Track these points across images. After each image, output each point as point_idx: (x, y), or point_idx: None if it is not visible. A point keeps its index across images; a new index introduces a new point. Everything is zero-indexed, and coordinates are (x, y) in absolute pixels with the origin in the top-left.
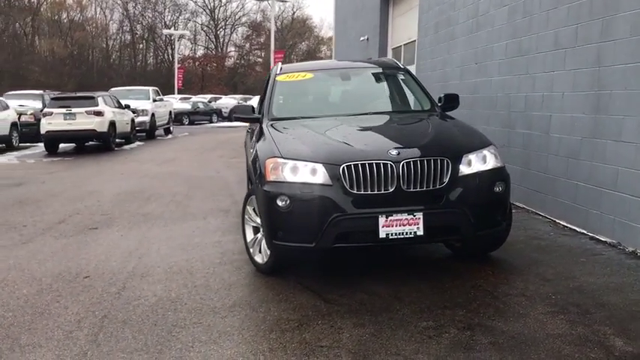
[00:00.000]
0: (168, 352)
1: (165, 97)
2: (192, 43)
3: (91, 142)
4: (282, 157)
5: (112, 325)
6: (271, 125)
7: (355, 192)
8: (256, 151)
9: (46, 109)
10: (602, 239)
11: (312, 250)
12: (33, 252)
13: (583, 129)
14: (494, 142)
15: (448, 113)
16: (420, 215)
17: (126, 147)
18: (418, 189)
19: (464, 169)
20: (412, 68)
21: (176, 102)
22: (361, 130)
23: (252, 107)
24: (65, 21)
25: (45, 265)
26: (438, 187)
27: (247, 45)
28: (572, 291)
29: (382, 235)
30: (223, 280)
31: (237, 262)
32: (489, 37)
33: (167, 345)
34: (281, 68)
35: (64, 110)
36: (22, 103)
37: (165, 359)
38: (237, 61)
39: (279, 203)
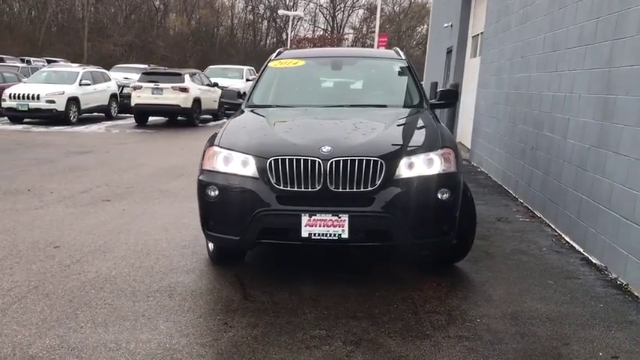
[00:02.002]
0: (54, 331)
1: None
2: (309, 24)
3: (180, 117)
4: (218, 146)
5: (34, 297)
6: (242, 112)
7: (281, 187)
8: None
9: (136, 83)
10: (594, 261)
11: (239, 243)
12: (34, 218)
13: (591, 136)
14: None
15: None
16: (345, 217)
17: (210, 124)
18: (347, 189)
19: (403, 172)
20: (479, 59)
21: None
22: (317, 123)
23: (238, 92)
24: None
25: (32, 232)
26: (369, 188)
27: (364, 28)
28: (505, 316)
29: (305, 234)
30: (169, 265)
31: (200, 248)
32: (533, 28)
33: (61, 323)
34: (278, 53)
35: (152, 85)
36: (127, 76)
37: (49, 337)
38: (353, 44)
39: (209, 193)
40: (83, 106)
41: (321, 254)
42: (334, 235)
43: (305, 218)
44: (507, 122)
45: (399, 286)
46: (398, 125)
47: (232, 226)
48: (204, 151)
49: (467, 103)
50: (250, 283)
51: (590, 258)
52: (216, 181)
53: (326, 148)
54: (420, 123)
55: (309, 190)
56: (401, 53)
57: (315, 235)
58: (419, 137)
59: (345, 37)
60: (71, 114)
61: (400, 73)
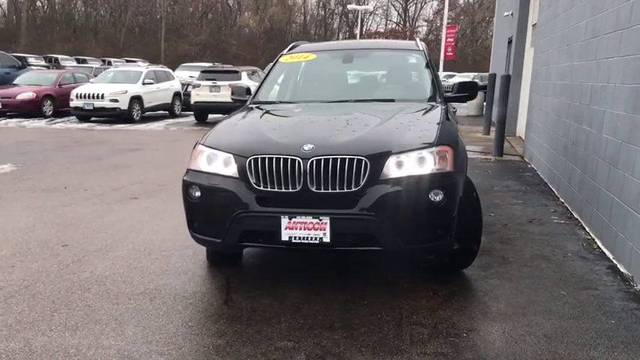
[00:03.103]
0: (23, 334)
1: None
2: (381, 18)
3: None
4: (203, 145)
5: (20, 297)
6: (244, 109)
7: (261, 188)
8: None
9: (195, 82)
10: (621, 270)
11: (221, 246)
12: (57, 216)
13: (623, 131)
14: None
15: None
16: (326, 220)
17: None
18: (329, 190)
19: (390, 172)
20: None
21: None
22: (309, 120)
23: (248, 89)
24: None
25: (49, 230)
26: (352, 189)
27: (437, 20)
28: (496, 332)
29: (285, 237)
30: (165, 265)
31: (201, 248)
32: (578, 14)
33: (33, 325)
34: (292, 47)
35: (210, 83)
36: (192, 75)
37: (16, 340)
38: (426, 36)
39: (192, 193)
40: (146, 105)
41: (318, 257)
42: (315, 238)
43: (285, 221)
44: (553, 115)
45: (391, 293)
46: (395, 121)
47: (214, 228)
48: (191, 151)
49: (526, 96)
50: (237, 287)
51: (618, 266)
52: (198, 181)
53: (307, 147)
54: (422, 118)
55: (289, 190)
56: (419, 44)
57: (295, 238)
58: (413, 134)
59: (417, 30)
60: (134, 112)
61: (414, 66)
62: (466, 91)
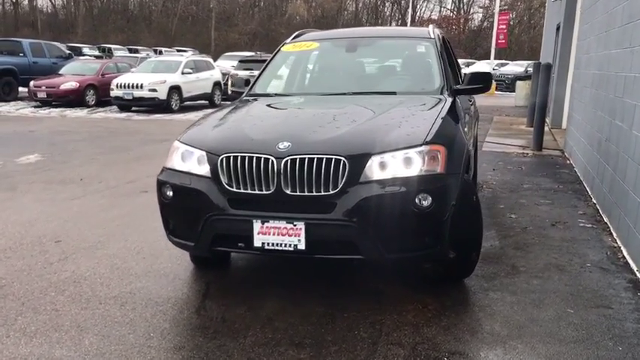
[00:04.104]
0: None
1: None
2: (434, 4)
3: None
4: (179, 141)
5: None
6: (237, 101)
7: (233, 189)
8: None
9: (232, 71)
10: None
11: (195, 249)
12: (63, 209)
13: None
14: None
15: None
16: (301, 225)
17: None
18: (305, 193)
19: (372, 173)
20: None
21: None
22: (294, 114)
23: (247, 80)
24: None
25: (48, 225)
26: (329, 192)
27: (493, 6)
28: (480, 357)
29: (257, 243)
30: (149, 266)
31: None
32: None
33: None
34: (296, 35)
35: (247, 73)
36: (234, 64)
37: None
38: (480, 23)
39: (165, 193)
40: (185, 94)
41: (308, 261)
42: (289, 245)
43: (257, 225)
44: (590, 108)
45: (377, 305)
46: (386, 116)
47: (187, 231)
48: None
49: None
50: (215, 293)
51: None
52: (171, 180)
53: (283, 145)
54: (419, 113)
55: (263, 192)
56: (432, 32)
57: (268, 244)
58: (402, 131)
59: (471, 17)
60: (173, 102)
61: (422, 55)
62: (479, 83)
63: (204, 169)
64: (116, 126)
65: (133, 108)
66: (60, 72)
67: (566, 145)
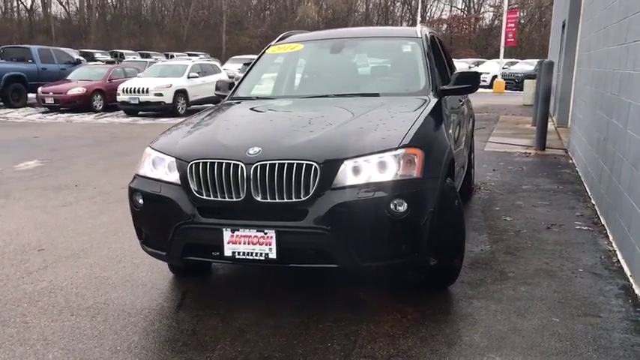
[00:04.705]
0: None
1: None
2: (444, 4)
3: None
4: (150, 147)
5: None
6: (217, 105)
7: (203, 197)
8: None
9: (238, 74)
10: (636, 292)
11: (167, 259)
12: (52, 216)
13: None
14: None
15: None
16: (272, 233)
17: None
18: (275, 200)
19: (345, 179)
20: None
21: None
22: (269, 118)
23: (232, 83)
24: None
25: (34, 233)
26: (301, 199)
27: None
28: None
29: (228, 252)
30: (128, 276)
31: None
32: None
33: None
34: (281, 37)
35: None
36: (241, 68)
37: None
38: (491, 22)
39: (136, 201)
40: (191, 98)
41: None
42: (260, 254)
43: (227, 234)
44: (590, 106)
45: (354, 315)
46: (363, 119)
47: (159, 240)
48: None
49: None
50: (190, 303)
51: (634, 287)
52: (142, 187)
53: (253, 150)
54: (398, 115)
55: (233, 200)
56: (419, 31)
57: (239, 253)
58: (378, 134)
59: (482, 16)
60: (179, 106)
61: (408, 55)
62: (466, 83)
63: (174, 176)
64: (120, 131)
65: (140, 112)
66: (68, 78)
67: (569, 144)
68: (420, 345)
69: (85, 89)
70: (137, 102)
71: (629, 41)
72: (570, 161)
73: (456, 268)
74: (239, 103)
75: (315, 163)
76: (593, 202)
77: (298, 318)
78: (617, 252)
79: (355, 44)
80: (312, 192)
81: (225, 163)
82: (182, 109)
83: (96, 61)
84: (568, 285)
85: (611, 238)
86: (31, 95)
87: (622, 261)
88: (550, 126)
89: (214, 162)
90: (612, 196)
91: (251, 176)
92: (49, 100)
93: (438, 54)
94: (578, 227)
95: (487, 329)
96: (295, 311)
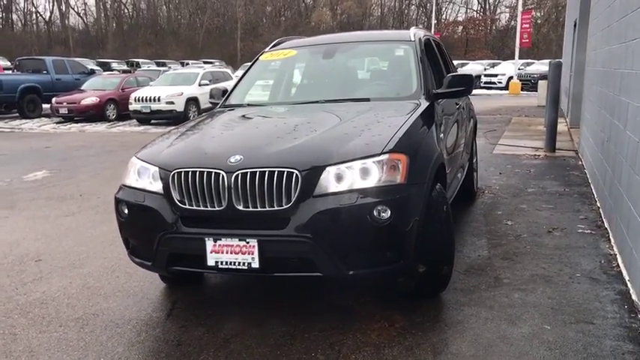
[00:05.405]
0: None
1: None
2: (460, 6)
3: None
4: (136, 157)
5: None
6: (207, 113)
7: (185, 206)
8: None
9: None
10: (633, 297)
11: (153, 269)
12: (54, 226)
13: None
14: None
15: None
16: (254, 242)
17: None
18: (257, 208)
19: (328, 186)
20: None
21: None
22: (254, 125)
23: (225, 91)
24: None
25: (34, 244)
26: (283, 207)
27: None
28: None
29: (211, 262)
30: (121, 286)
31: None
32: None
33: None
34: (275, 44)
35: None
36: None
37: None
38: (507, 23)
39: (122, 211)
40: (203, 106)
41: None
42: (243, 263)
43: (209, 243)
44: (596, 106)
45: (340, 324)
46: (349, 125)
47: (144, 250)
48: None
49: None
50: (179, 313)
51: (632, 292)
52: (126, 198)
53: (234, 158)
54: (385, 120)
55: (215, 209)
56: (412, 35)
57: (222, 263)
58: (362, 140)
59: (497, 17)
60: (190, 114)
61: (400, 59)
62: (459, 85)
63: (157, 186)
64: (131, 139)
65: (152, 121)
66: (82, 87)
67: (579, 145)
68: (405, 354)
69: (98, 99)
70: (149, 110)
71: (628, 39)
72: (579, 163)
73: (445, 275)
74: (232, 110)
75: (296, 171)
76: (599, 205)
77: (284, 327)
78: (618, 256)
79: (348, 49)
80: (293, 200)
81: (207, 171)
82: (193, 116)
83: (112, 70)
84: (564, 291)
85: (612, 241)
86: (45, 106)
87: (621, 265)
88: (563, 127)
89: (196, 171)
90: (614, 198)
91: (232, 185)
92: (63, 111)
93: (434, 57)
94: (580, 231)
95: (475, 337)
96: (282, 320)
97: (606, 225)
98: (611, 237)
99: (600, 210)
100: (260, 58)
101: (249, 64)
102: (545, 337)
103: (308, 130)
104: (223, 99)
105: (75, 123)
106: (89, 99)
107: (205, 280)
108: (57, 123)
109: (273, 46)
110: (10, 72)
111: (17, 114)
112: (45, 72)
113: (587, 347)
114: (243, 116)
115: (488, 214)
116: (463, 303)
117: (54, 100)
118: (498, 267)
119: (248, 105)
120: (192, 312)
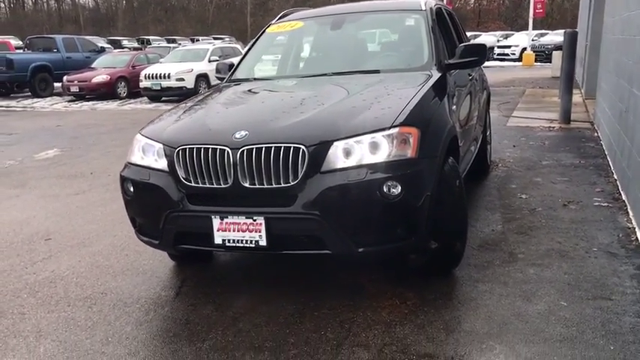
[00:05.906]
0: None
1: None
2: None
3: None
4: (140, 134)
5: None
6: (213, 89)
7: (191, 184)
8: None
9: None
10: None
11: (160, 247)
12: (63, 205)
13: None
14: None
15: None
16: (261, 220)
17: None
18: (263, 185)
19: (336, 161)
20: None
21: None
22: (261, 100)
23: (231, 65)
24: None
25: (44, 222)
26: (290, 183)
27: None
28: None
29: (218, 240)
30: (130, 264)
31: None
32: None
33: None
34: (282, 15)
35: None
36: None
37: None
38: None
39: (127, 189)
40: (213, 82)
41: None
42: (250, 241)
43: (216, 221)
44: (614, 76)
45: (351, 302)
46: (358, 98)
47: (151, 229)
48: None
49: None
50: (187, 291)
51: None
52: (132, 175)
53: (239, 134)
54: (395, 92)
55: (221, 186)
56: (423, 4)
57: (229, 241)
58: (372, 113)
59: None
60: (201, 90)
61: (411, 29)
62: (472, 56)
63: (162, 163)
64: (142, 117)
65: (163, 98)
66: (92, 65)
67: (595, 116)
68: (416, 332)
69: (109, 77)
70: (159, 88)
71: None
72: (595, 134)
73: (458, 252)
74: (238, 84)
75: (302, 146)
76: (615, 177)
77: (294, 305)
78: (637, 229)
79: (356, 19)
80: (300, 176)
81: (212, 148)
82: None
83: (123, 48)
84: (580, 266)
85: (631, 214)
86: (57, 84)
87: None
88: (578, 98)
89: (200, 147)
90: (633, 170)
91: (237, 161)
92: (74, 89)
93: (445, 27)
94: (597, 204)
95: (489, 315)
96: (292, 298)
97: (624, 197)
98: (629, 210)
99: (617, 182)
100: (267, 30)
101: (256, 37)
102: (561, 314)
103: (315, 104)
104: (229, 73)
105: (86, 101)
106: (100, 77)
107: (215, 258)
108: (68, 101)
109: (280, 18)
110: (21, 51)
111: (29, 93)
112: (55, 50)
113: (606, 324)
114: (249, 91)
115: (502, 187)
116: (477, 279)
117: (65, 78)
118: (513, 242)
119: (254, 79)
120: (201, 290)
